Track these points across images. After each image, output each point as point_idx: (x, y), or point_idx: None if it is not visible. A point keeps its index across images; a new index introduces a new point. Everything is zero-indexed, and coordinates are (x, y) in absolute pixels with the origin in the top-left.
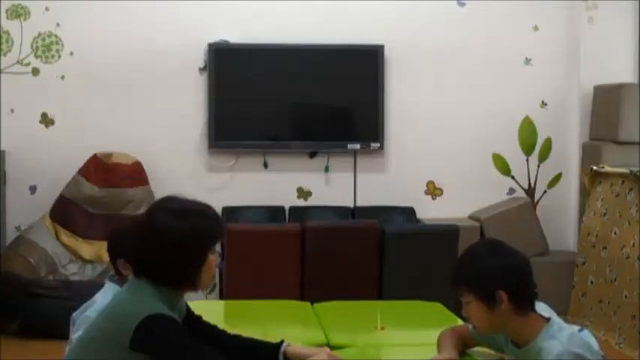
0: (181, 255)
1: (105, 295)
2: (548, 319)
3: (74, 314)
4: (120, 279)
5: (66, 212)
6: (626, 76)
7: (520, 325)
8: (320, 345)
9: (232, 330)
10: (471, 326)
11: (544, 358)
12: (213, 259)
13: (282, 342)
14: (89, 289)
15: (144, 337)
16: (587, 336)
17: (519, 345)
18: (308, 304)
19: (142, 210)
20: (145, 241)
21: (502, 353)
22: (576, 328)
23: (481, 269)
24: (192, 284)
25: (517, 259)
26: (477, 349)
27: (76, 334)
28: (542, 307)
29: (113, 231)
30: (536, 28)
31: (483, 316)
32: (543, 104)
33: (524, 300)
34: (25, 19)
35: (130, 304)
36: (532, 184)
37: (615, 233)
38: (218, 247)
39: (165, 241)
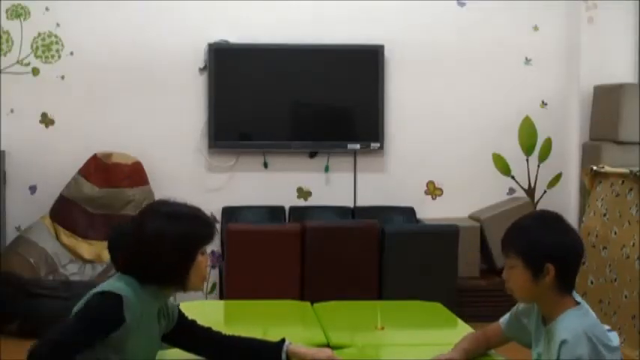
0: (169, 254)
1: None
2: (578, 304)
3: None
4: None
5: (66, 212)
6: (626, 76)
7: (554, 302)
8: (320, 345)
9: (232, 330)
10: (503, 323)
11: (560, 335)
12: (203, 260)
13: (283, 340)
14: (89, 289)
15: (82, 303)
16: (614, 336)
17: (547, 322)
18: (308, 304)
19: None
20: (136, 243)
21: (528, 349)
22: (606, 326)
23: (536, 239)
24: (181, 284)
25: (574, 238)
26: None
27: None
28: (574, 294)
29: (113, 228)
30: (536, 28)
31: (524, 284)
32: (543, 104)
33: (568, 279)
34: (25, 19)
35: (103, 285)
36: (532, 184)
37: (615, 233)
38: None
39: (154, 242)
